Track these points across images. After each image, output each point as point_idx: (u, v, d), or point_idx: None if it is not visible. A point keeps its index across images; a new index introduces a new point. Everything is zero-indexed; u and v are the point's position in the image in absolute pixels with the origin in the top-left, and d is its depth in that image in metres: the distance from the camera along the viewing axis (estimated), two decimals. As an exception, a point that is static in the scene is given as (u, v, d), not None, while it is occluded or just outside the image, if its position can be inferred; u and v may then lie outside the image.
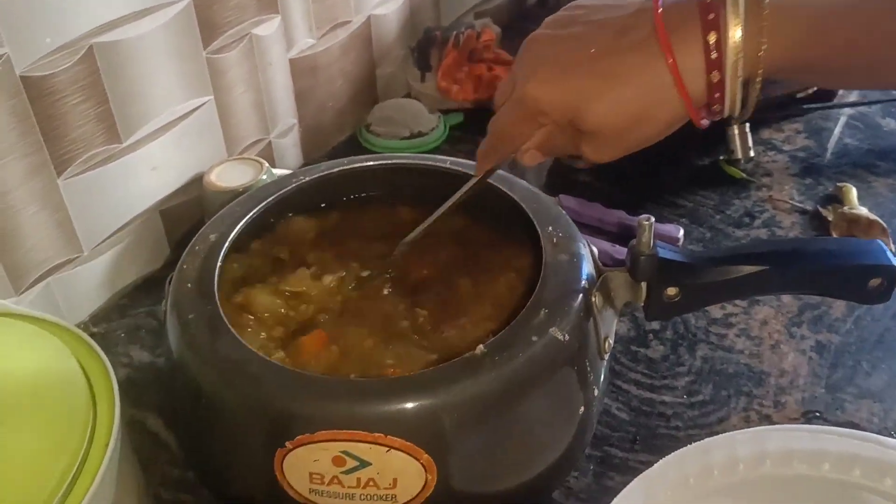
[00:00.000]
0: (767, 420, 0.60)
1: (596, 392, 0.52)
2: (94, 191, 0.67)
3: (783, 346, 0.66)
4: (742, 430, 0.54)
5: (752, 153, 0.86)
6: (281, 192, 0.56)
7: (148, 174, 0.71)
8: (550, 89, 0.49)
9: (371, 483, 0.45)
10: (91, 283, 0.70)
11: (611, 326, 0.53)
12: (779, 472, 0.53)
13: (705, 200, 0.83)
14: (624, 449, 0.59)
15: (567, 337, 0.48)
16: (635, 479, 0.50)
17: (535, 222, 0.54)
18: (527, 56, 0.52)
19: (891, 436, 0.57)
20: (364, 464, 0.44)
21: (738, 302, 0.70)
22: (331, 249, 0.58)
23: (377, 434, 0.43)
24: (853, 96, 0.99)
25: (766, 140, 0.91)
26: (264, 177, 0.71)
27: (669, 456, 0.52)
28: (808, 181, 0.85)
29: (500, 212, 0.57)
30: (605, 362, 0.53)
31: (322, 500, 0.46)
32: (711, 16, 0.45)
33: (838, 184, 0.82)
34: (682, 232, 0.77)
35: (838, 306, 0.70)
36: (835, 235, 0.76)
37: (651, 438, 0.60)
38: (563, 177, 0.86)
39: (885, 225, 0.76)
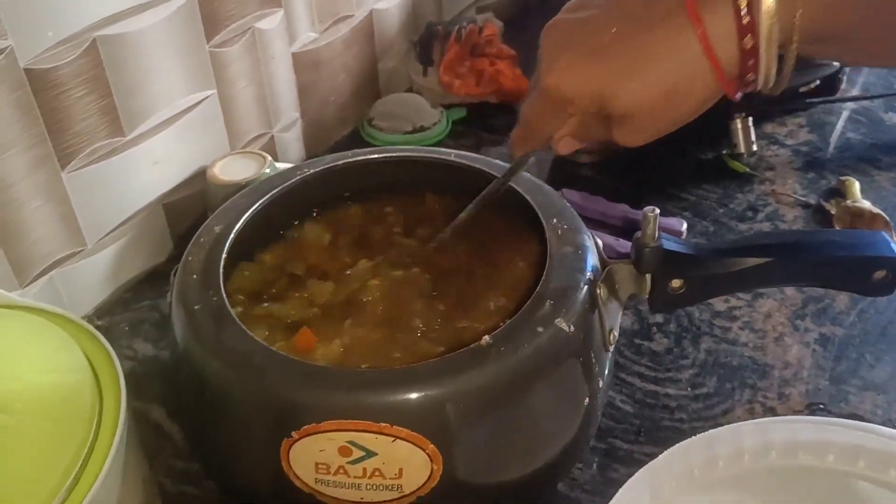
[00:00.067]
0: (772, 412, 0.61)
1: (601, 384, 0.52)
2: (97, 184, 0.67)
3: (787, 338, 0.66)
4: (747, 422, 0.54)
5: (755, 147, 0.86)
6: (286, 184, 0.56)
7: (151, 168, 0.71)
8: (573, 79, 0.47)
9: (377, 473, 0.45)
10: (94, 276, 0.70)
11: (615, 318, 0.53)
12: (784, 464, 0.53)
13: (708, 194, 0.83)
14: (628, 441, 0.59)
15: (572, 328, 0.48)
16: (640, 471, 0.51)
17: (541, 214, 0.54)
18: (546, 44, 0.50)
19: (895, 427, 0.57)
20: (370, 454, 0.44)
21: (741, 295, 0.70)
22: (347, 253, 0.58)
23: (383, 424, 0.43)
24: (856, 90, 0.99)
25: (769, 134, 0.92)
26: (267, 171, 0.71)
27: (674, 447, 0.52)
28: (810, 175, 0.85)
29: (505, 204, 0.57)
30: (609, 354, 0.53)
31: (328, 490, 0.46)
32: None
33: (841, 178, 0.82)
34: (685, 225, 0.77)
35: (842, 299, 0.70)
36: (838, 229, 0.76)
37: (655, 430, 0.60)
38: (566, 171, 0.86)
39: (888, 218, 0.76)
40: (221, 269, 0.50)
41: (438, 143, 0.92)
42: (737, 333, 0.67)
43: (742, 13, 0.44)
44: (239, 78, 0.77)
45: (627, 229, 0.77)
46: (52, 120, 0.61)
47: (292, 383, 0.45)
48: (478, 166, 0.58)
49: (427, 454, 0.44)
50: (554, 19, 0.51)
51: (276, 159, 0.73)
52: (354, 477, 0.45)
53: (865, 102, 0.96)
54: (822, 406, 0.61)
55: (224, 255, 0.51)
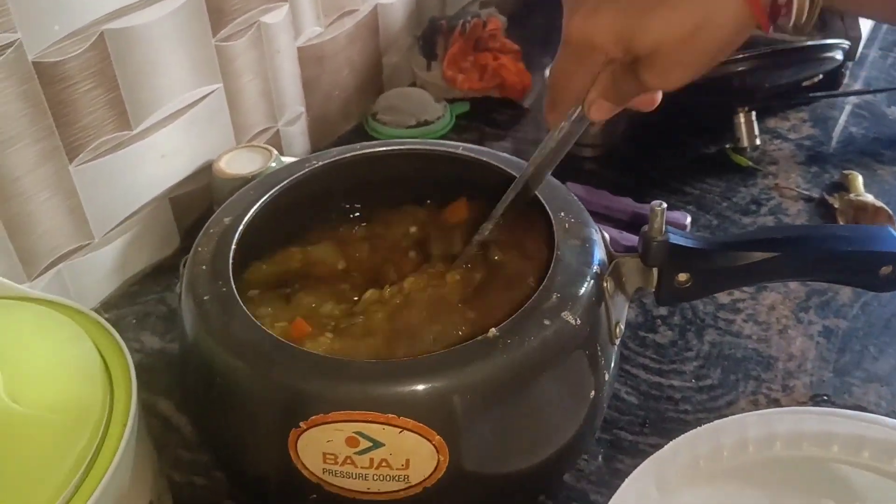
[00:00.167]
0: (776, 404, 0.61)
1: (606, 376, 0.52)
2: (104, 177, 0.67)
3: (791, 331, 0.67)
4: (752, 413, 0.54)
5: (758, 141, 0.86)
6: (295, 175, 0.57)
7: (158, 161, 0.72)
8: (597, 21, 0.45)
9: (384, 463, 0.45)
10: (102, 269, 0.71)
11: (622, 312, 0.53)
12: (788, 454, 0.53)
13: (712, 188, 0.83)
14: (633, 432, 0.59)
15: (579, 321, 0.48)
16: (646, 461, 0.51)
17: (548, 208, 0.54)
18: None
19: (898, 419, 0.58)
20: (377, 444, 0.44)
21: (745, 288, 0.70)
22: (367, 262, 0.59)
23: (390, 415, 0.43)
24: (858, 85, 0.99)
25: (772, 129, 0.92)
26: (273, 164, 0.72)
27: (680, 438, 0.52)
28: (813, 169, 0.85)
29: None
30: (615, 347, 0.53)
31: (335, 480, 0.46)
32: None
33: (844, 171, 0.83)
34: (689, 219, 0.77)
35: (845, 292, 0.70)
36: (841, 222, 0.77)
37: (660, 422, 0.60)
38: (570, 164, 0.86)
39: (891, 212, 0.76)
40: (231, 260, 0.50)
41: (442, 138, 0.92)
42: (741, 326, 0.67)
43: None
44: (245, 72, 0.77)
45: (631, 223, 0.78)
46: (59, 113, 0.61)
47: (301, 374, 0.45)
48: (485, 159, 0.58)
49: (433, 445, 0.44)
50: None
51: (281, 153, 0.74)
52: (361, 467, 0.45)
53: (868, 97, 0.96)
54: (826, 397, 0.61)
55: (233, 247, 0.51)
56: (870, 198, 0.78)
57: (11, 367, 0.44)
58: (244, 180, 0.68)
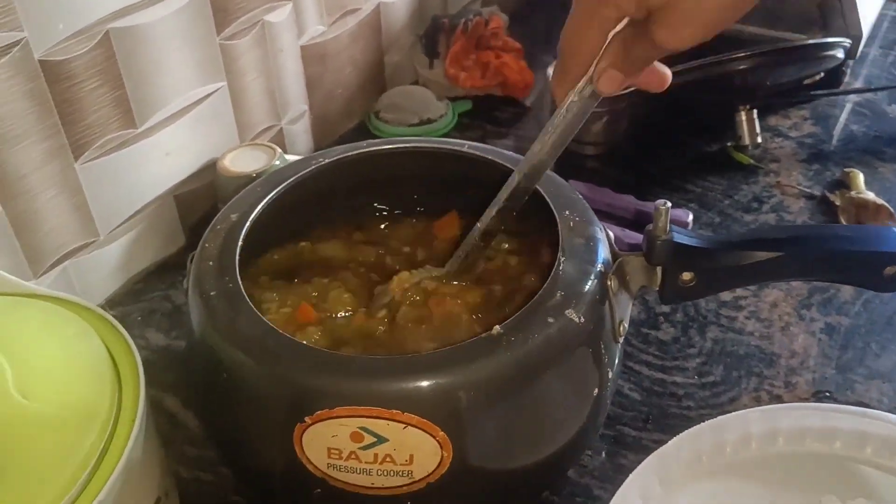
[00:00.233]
0: (778, 400, 0.61)
1: (610, 374, 0.52)
2: (110, 175, 0.67)
3: (793, 327, 0.67)
4: (754, 409, 0.55)
5: (759, 139, 0.87)
6: (302, 173, 0.57)
7: (162, 159, 0.72)
8: None
9: (388, 459, 0.45)
10: (107, 267, 0.71)
11: (626, 310, 0.53)
12: (791, 450, 0.54)
13: (714, 186, 0.83)
14: (636, 428, 0.60)
15: (582, 319, 0.48)
16: (650, 456, 0.51)
17: (553, 206, 0.54)
18: None
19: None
20: (381, 440, 0.45)
21: (747, 286, 0.71)
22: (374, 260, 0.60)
23: (394, 411, 0.43)
24: (859, 83, 0.99)
25: (773, 127, 0.92)
26: (277, 162, 0.72)
27: (683, 434, 0.53)
28: (815, 167, 0.86)
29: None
30: (619, 346, 0.54)
31: (340, 474, 0.46)
32: None
33: (845, 169, 0.83)
34: (691, 216, 0.78)
35: (847, 289, 0.70)
36: (843, 220, 0.77)
37: (663, 418, 0.60)
38: (571, 162, 0.87)
39: (892, 209, 0.76)
40: (237, 256, 0.50)
41: (444, 136, 0.92)
42: (743, 323, 0.68)
43: None
44: (248, 70, 0.77)
45: (634, 220, 0.78)
46: (65, 111, 0.62)
47: (306, 369, 0.45)
48: (491, 157, 0.58)
49: (437, 441, 0.45)
50: None
51: (284, 151, 0.74)
52: (366, 462, 0.45)
53: (869, 95, 0.97)
54: (828, 394, 0.62)
55: (240, 243, 0.51)
56: (871, 195, 0.78)
57: (21, 364, 0.44)
58: (248, 178, 0.69)
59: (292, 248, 0.60)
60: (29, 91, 0.59)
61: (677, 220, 0.76)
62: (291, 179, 0.56)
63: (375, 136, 0.91)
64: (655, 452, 0.52)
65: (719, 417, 0.54)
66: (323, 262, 0.59)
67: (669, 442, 0.52)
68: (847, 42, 0.88)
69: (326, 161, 0.58)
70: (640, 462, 0.52)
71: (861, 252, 0.51)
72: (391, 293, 0.54)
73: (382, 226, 0.63)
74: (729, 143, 0.88)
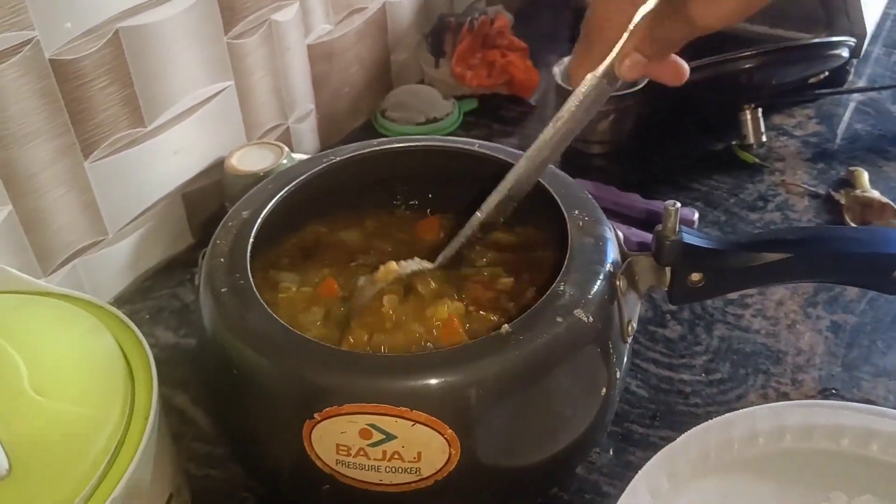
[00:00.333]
0: (785, 397, 0.61)
1: (618, 374, 0.52)
2: (118, 174, 0.68)
3: (799, 325, 0.67)
4: (762, 406, 0.55)
5: (764, 138, 0.87)
6: (312, 171, 0.57)
7: (170, 158, 0.72)
8: None
9: (396, 456, 0.45)
10: (115, 265, 0.71)
11: (634, 310, 0.53)
12: (798, 447, 0.54)
13: (719, 184, 0.83)
14: (644, 425, 0.60)
15: (591, 319, 0.48)
16: (659, 453, 0.51)
17: (562, 205, 0.54)
18: None
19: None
20: (389, 437, 0.45)
21: (753, 284, 0.71)
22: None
23: (403, 408, 0.44)
24: (863, 82, 1.00)
25: (778, 126, 0.92)
26: (285, 161, 0.72)
27: (691, 430, 0.53)
28: (820, 166, 0.86)
29: (526, 194, 0.57)
30: (627, 345, 0.53)
31: (348, 471, 0.46)
32: None
33: (850, 168, 0.83)
34: (696, 215, 0.78)
35: (852, 288, 0.70)
36: (848, 218, 0.77)
37: (670, 415, 0.60)
38: (578, 161, 0.87)
39: (897, 208, 0.77)
40: (248, 254, 0.51)
41: (450, 134, 0.92)
42: (749, 321, 0.68)
43: None
44: (256, 69, 0.77)
45: (640, 219, 0.78)
46: (75, 110, 0.62)
47: (315, 366, 0.45)
48: (501, 157, 0.59)
49: (445, 439, 0.45)
50: None
51: (291, 150, 0.74)
52: (374, 459, 0.46)
53: (873, 94, 0.97)
54: (835, 391, 0.62)
55: (251, 240, 0.51)
56: (876, 194, 0.78)
57: (35, 361, 0.44)
58: (255, 177, 0.69)
59: (312, 230, 0.61)
60: (39, 90, 0.59)
61: (683, 218, 0.76)
62: (303, 177, 0.57)
63: (382, 135, 0.91)
64: (664, 449, 0.52)
65: (727, 414, 0.54)
66: (339, 245, 0.60)
67: (678, 439, 0.52)
68: (851, 41, 0.88)
69: (337, 159, 0.58)
70: (647, 459, 0.52)
71: (870, 254, 0.51)
72: (377, 283, 0.54)
73: (392, 223, 0.63)
74: (734, 142, 0.88)
